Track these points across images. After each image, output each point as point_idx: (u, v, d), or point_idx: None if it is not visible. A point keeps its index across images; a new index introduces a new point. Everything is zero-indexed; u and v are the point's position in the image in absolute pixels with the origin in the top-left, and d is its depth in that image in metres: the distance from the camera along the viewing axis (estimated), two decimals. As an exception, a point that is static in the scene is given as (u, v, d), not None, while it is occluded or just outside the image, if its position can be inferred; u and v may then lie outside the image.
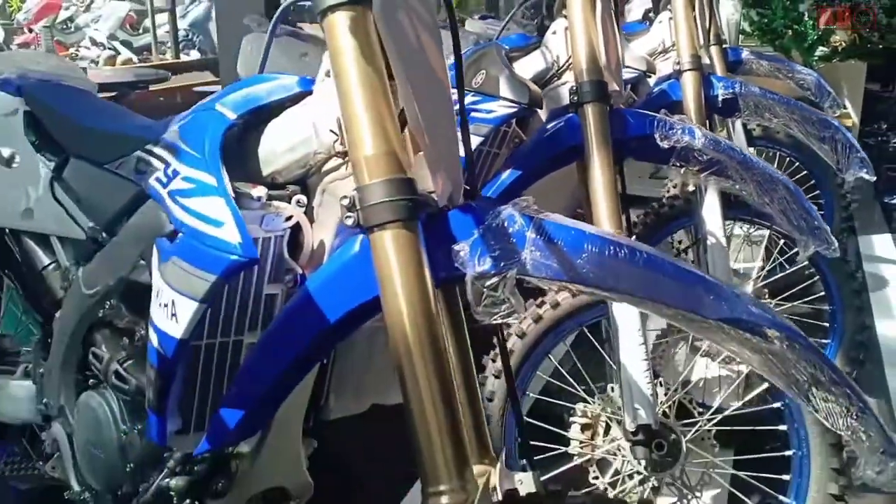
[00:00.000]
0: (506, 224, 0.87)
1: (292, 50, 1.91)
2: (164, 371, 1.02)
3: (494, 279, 0.84)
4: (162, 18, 9.87)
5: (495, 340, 1.08)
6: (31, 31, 9.64)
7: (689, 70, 2.10)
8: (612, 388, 1.52)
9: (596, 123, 1.46)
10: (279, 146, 1.03)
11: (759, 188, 1.60)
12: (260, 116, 1.04)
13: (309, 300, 0.92)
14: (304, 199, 1.02)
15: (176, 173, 1.02)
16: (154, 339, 1.01)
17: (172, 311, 0.96)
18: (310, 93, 1.04)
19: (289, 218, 1.01)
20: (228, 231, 0.92)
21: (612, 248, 0.88)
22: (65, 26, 9.55)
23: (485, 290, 0.85)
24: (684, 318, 0.90)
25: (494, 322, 0.85)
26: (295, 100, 1.04)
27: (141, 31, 9.48)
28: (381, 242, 0.79)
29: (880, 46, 5.04)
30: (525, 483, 0.84)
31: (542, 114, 1.82)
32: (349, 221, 0.80)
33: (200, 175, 0.99)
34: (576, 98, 1.48)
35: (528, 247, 0.86)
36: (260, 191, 0.99)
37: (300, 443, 1.20)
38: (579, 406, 1.56)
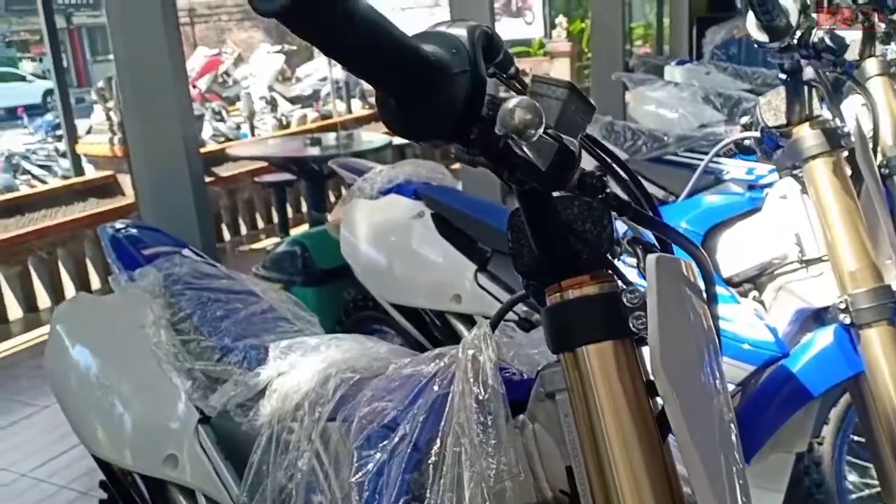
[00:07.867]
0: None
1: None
2: None
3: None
4: (307, 69, 10.56)
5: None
6: (194, 87, 10.42)
7: None
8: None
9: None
10: (737, 251, 1.30)
11: None
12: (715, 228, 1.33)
13: None
14: None
15: None
16: None
17: None
18: (757, 209, 1.31)
19: None
20: None
21: None
22: (223, 80, 10.36)
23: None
24: None
25: None
26: (743, 215, 1.33)
27: (293, 81, 10.17)
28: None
29: None
30: None
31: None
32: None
33: None
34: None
35: None
36: None
37: None
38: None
